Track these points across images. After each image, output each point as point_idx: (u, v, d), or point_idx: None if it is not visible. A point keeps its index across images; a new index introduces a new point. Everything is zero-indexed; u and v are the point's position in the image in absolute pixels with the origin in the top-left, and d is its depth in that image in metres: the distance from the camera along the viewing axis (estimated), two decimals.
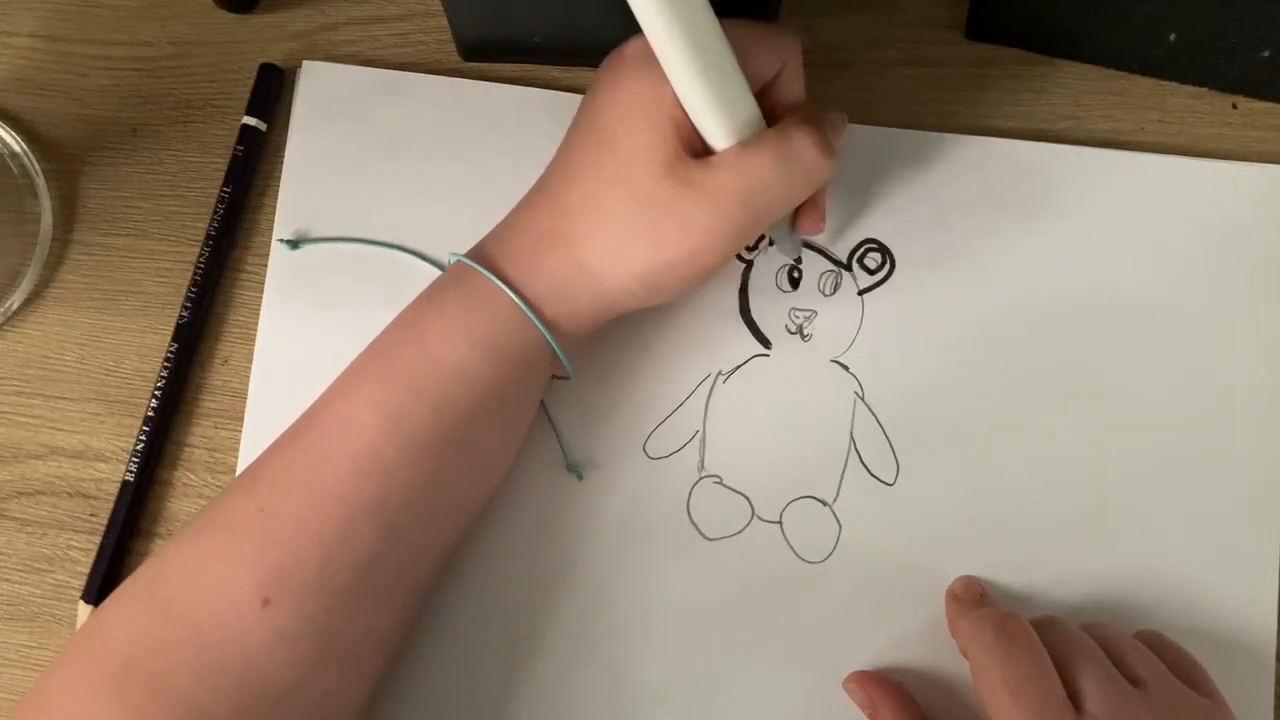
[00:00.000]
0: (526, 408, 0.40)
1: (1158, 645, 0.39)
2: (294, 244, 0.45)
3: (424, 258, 0.44)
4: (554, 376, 0.42)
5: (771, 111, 0.38)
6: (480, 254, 0.39)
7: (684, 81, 0.35)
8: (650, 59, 0.35)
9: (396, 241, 0.45)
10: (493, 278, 0.37)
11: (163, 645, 0.35)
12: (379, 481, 0.36)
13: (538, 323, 0.38)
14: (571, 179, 0.38)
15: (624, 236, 0.37)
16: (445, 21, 0.44)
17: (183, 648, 0.35)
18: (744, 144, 0.37)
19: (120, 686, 0.34)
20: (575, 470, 0.43)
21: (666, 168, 0.36)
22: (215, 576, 0.35)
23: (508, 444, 0.40)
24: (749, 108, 0.37)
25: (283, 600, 0.35)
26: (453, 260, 0.39)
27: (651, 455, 0.43)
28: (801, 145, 0.37)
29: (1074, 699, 0.35)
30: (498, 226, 0.40)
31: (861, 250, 0.44)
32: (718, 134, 0.36)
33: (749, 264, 0.45)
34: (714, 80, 0.35)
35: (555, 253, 0.38)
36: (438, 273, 0.44)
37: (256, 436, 0.44)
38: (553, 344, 0.38)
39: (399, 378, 0.37)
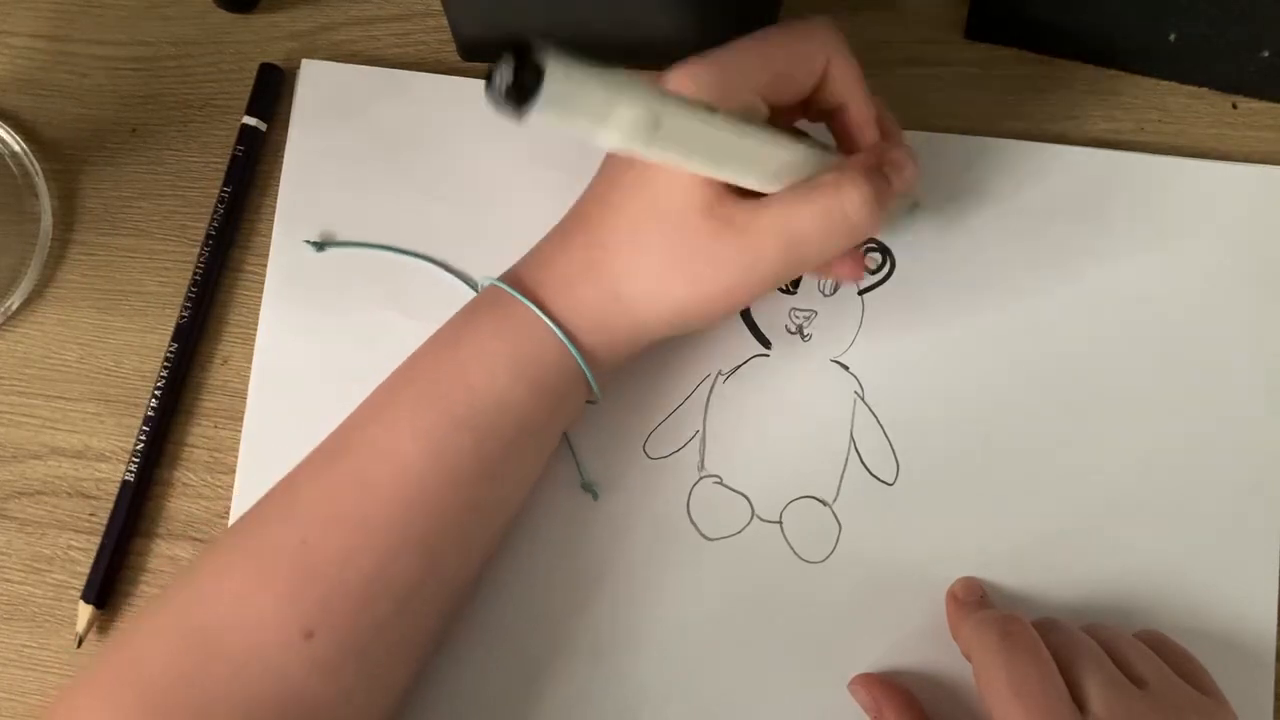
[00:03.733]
0: (557, 433, 0.40)
1: (1158, 645, 0.39)
2: (320, 246, 0.45)
3: (449, 268, 0.44)
4: None
5: (836, 116, 0.37)
6: (517, 282, 0.38)
7: (725, 179, 0.35)
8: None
9: (393, 242, 0.45)
10: (538, 311, 0.37)
11: (200, 676, 0.34)
12: (421, 514, 0.36)
13: (578, 357, 0.38)
14: (610, 212, 0.38)
15: (661, 272, 0.37)
16: (445, 21, 0.44)
17: (221, 678, 0.34)
18: (794, 190, 0.36)
19: (156, 718, 0.34)
20: (590, 489, 0.43)
21: (707, 206, 0.36)
22: (255, 608, 0.35)
23: (537, 467, 0.40)
24: (782, 154, 0.35)
25: (325, 632, 0.35)
26: (484, 284, 0.39)
27: (651, 455, 0.43)
28: (851, 204, 0.35)
29: (1078, 701, 0.35)
30: (533, 253, 0.39)
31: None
32: (756, 188, 0.36)
33: None
34: (750, 171, 0.34)
35: (594, 285, 0.37)
36: (445, 276, 0.44)
37: (256, 436, 0.44)
38: (588, 375, 0.38)
39: (440, 408, 0.37)
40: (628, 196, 0.37)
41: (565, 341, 0.37)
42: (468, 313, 0.39)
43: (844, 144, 0.39)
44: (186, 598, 0.36)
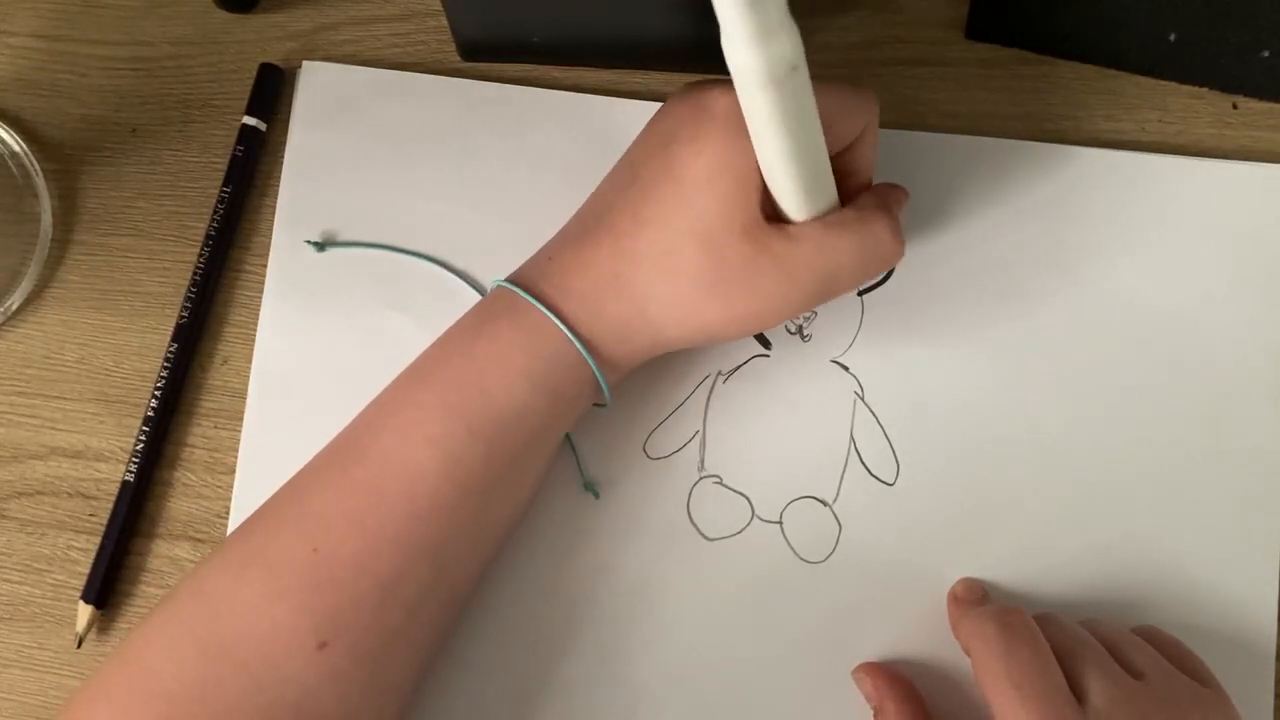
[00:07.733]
0: (561, 436, 0.40)
1: (1154, 639, 0.39)
2: (320, 246, 0.45)
3: (449, 268, 0.44)
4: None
5: (841, 176, 0.38)
6: (534, 287, 0.38)
7: (778, 170, 0.35)
8: (741, 121, 0.34)
9: (394, 242, 0.45)
10: (563, 327, 0.37)
11: (215, 688, 0.34)
12: (434, 523, 0.36)
13: (597, 371, 0.38)
14: (642, 225, 0.37)
15: (693, 292, 0.37)
16: (445, 21, 0.44)
17: (236, 690, 0.34)
18: (827, 223, 0.37)
19: None
20: (591, 489, 0.43)
21: (746, 231, 0.36)
22: (268, 619, 0.35)
23: (543, 471, 0.40)
24: (831, 190, 0.37)
25: (338, 641, 0.35)
26: (495, 285, 0.39)
27: (651, 455, 0.43)
28: (882, 234, 0.37)
29: (1077, 693, 0.35)
30: (551, 257, 0.39)
31: None
32: (798, 213, 0.37)
33: None
34: (806, 172, 0.35)
35: (619, 298, 0.37)
36: (445, 276, 0.44)
37: (256, 436, 0.44)
38: (604, 386, 0.38)
39: (456, 417, 0.36)
40: (664, 211, 0.37)
41: (587, 357, 0.37)
42: (482, 317, 0.38)
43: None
44: (198, 608, 0.36)
